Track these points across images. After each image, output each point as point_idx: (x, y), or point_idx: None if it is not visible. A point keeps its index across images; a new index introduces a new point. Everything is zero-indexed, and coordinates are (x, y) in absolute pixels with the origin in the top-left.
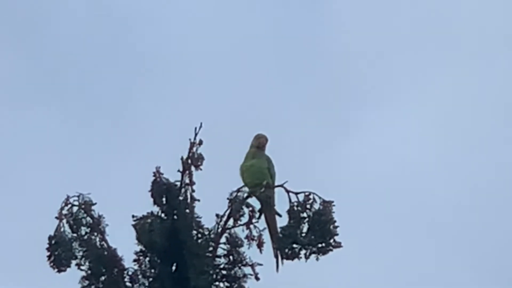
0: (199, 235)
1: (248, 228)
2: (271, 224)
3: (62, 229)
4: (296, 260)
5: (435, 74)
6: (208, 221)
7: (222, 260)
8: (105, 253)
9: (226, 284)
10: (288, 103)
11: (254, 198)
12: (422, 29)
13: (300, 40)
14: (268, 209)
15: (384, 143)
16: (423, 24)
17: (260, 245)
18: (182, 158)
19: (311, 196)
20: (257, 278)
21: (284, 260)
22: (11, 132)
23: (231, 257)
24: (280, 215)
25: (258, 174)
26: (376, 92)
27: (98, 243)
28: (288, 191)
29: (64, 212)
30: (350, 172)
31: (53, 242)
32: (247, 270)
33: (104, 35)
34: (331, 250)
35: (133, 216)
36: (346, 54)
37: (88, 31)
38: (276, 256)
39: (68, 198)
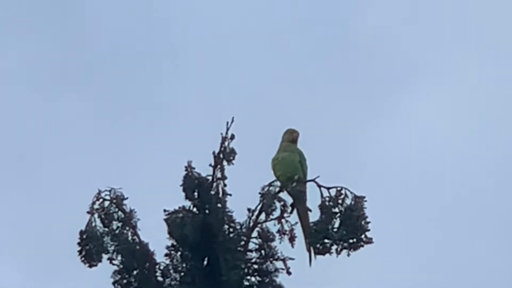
0: (231, 230)
1: (279, 222)
2: (303, 218)
3: (93, 224)
4: (327, 255)
5: (473, 56)
6: (240, 216)
7: (254, 254)
8: (137, 247)
9: (258, 278)
10: (319, 90)
11: (285, 193)
12: (459, 11)
13: (330, 22)
14: (300, 204)
15: (420, 129)
16: (461, 5)
17: (291, 240)
18: (214, 153)
19: (343, 191)
20: (288, 273)
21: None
22: (43, 122)
23: (262, 252)
24: (310, 210)
25: (290, 167)
26: (411, 75)
27: (129, 238)
28: (319, 186)
29: (96, 206)
30: (384, 157)
31: (84, 237)
32: (279, 264)
33: (142, 30)
34: (362, 245)
35: (164, 211)
36: (379, 36)
37: (122, 22)
38: (309, 251)
39: (99, 192)
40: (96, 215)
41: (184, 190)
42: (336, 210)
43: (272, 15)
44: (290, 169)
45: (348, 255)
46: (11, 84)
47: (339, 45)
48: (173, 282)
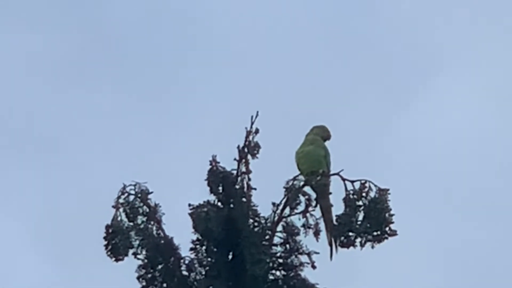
0: (256, 224)
1: (304, 216)
2: (326, 212)
3: (119, 218)
4: (351, 248)
5: (498, 46)
6: (265, 210)
7: (279, 248)
8: (162, 242)
9: (283, 272)
10: (344, 83)
11: (309, 187)
12: None
13: (355, 14)
14: (322, 198)
15: (446, 120)
16: None
17: (316, 234)
18: (238, 147)
19: (367, 184)
20: (313, 267)
21: (339, 248)
22: (71, 113)
23: (287, 246)
24: (331, 205)
25: (315, 162)
26: (436, 63)
27: (154, 232)
28: (344, 179)
29: (121, 201)
30: (410, 149)
31: (110, 231)
32: (304, 258)
33: (165, 24)
34: (387, 238)
35: (189, 205)
36: (402, 25)
37: (147, 14)
38: (331, 245)
39: (124, 187)
40: (121, 210)
41: (208, 185)
42: (360, 203)
43: (295, 8)
44: (315, 164)
45: (372, 247)
46: (34, 73)
47: (363, 38)
48: (198, 277)
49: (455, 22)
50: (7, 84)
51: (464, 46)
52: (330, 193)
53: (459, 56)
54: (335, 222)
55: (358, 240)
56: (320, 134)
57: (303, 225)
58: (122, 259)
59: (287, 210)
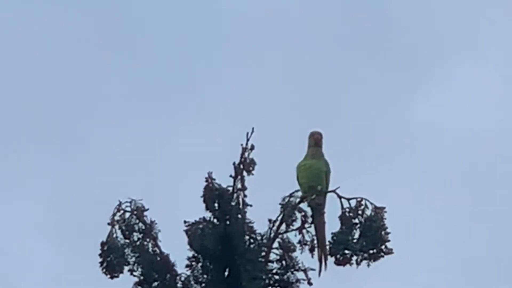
0: (252, 240)
1: (300, 233)
2: (319, 230)
3: (114, 235)
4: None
5: (505, 31)
6: (261, 226)
7: (275, 265)
8: (158, 258)
9: None
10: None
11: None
12: None
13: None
14: (317, 215)
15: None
16: None
17: (312, 250)
18: (234, 163)
19: (363, 202)
20: (310, 283)
21: (335, 266)
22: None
23: (283, 262)
24: (325, 222)
25: (315, 176)
26: (443, 53)
27: (150, 249)
28: (340, 197)
29: (117, 218)
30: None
31: (105, 248)
32: (300, 275)
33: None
34: (383, 256)
35: (185, 222)
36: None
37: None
38: (320, 261)
39: (120, 204)
40: (117, 227)
41: (204, 201)
42: (356, 221)
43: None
44: (315, 179)
45: (368, 265)
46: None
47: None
48: None
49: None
50: (21, 66)
51: (478, 29)
52: (324, 212)
53: (472, 40)
54: (330, 240)
55: (354, 258)
56: (312, 143)
57: (299, 242)
58: (117, 276)
59: (283, 227)
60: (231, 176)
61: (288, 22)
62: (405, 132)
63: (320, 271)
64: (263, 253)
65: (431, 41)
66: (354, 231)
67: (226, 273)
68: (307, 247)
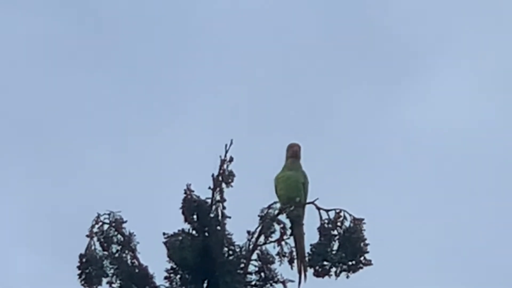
0: (230, 252)
1: (279, 244)
2: (298, 241)
3: (93, 247)
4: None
5: (491, 32)
6: (239, 238)
7: (254, 277)
8: (136, 270)
9: None
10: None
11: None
12: None
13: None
14: (296, 227)
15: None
16: None
17: (291, 262)
18: (213, 175)
19: (341, 214)
20: None
21: (313, 277)
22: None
23: (262, 274)
24: (304, 233)
25: (293, 188)
26: (426, 57)
27: (129, 261)
28: (319, 208)
29: (95, 230)
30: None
31: (84, 260)
32: (279, 286)
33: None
34: (362, 268)
35: (164, 234)
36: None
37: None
38: (300, 272)
39: (98, 216)
40: (95, 239)
41: (183, 213)
42: (335, 232)
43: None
44: (293, 190)
45: (347, 277)
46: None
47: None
48: None
49: (449, 8)
50: (4, 68)
51: (458, 33)
52: (303, 224)
53: (452, 44)
54: (309, 251)
55: (333, 269)
56: (290, 155)
57: (278, 253)
58: None
59: (262, 239)
60: (209, 188)
61: (270, 29)
62: (384, 144)
63: (299, 282)
64: (242, 265)
65: (412, 52)
66: (333, 242)
67: (205, 285)
68: (286, 259)
